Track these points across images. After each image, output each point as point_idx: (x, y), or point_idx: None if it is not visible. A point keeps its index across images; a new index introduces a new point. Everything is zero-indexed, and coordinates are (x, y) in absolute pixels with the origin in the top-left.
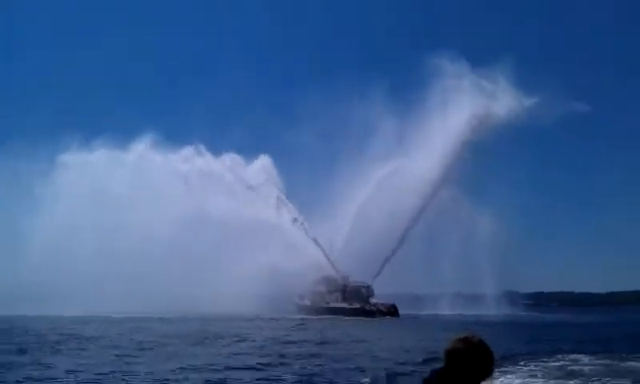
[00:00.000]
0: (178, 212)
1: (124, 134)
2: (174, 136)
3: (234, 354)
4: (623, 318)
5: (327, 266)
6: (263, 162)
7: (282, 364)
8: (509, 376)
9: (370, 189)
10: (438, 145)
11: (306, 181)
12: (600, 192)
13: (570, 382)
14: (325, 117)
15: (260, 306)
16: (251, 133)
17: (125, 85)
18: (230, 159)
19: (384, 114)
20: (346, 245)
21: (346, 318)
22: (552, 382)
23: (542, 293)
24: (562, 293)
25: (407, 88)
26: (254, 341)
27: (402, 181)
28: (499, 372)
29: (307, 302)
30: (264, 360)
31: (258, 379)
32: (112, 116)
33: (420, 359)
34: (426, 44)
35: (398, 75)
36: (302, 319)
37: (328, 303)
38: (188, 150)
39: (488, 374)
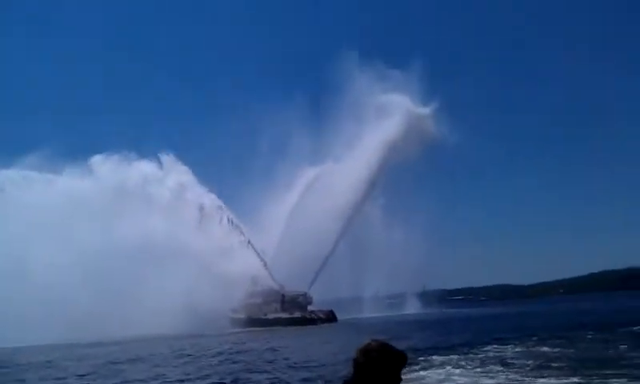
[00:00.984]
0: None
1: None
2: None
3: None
4: (540, 308)
5: (265, 276)
6: (182, 174)
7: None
8: (430, 370)
9: (295, 198)
10: (360, 149)
11: (227, 194)
12: (518, 190)
13: (489, 367)
14: (241, 127)
15: (190, 324)
16: (166, 144)
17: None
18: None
19: (302, 121)
20: (276, 255)
21: (287, 327)
22: (475, 370)
23: (471, 288)
24: (489, 287)
25: (323, 93)
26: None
27: (327, 187)
28: (422, 366)
29: (242, 315)
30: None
31: None
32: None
33: None
34: (336, 47)
35: (314, 80)
36: (244, 332)
37: (266, 314)
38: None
39: (396, 374)
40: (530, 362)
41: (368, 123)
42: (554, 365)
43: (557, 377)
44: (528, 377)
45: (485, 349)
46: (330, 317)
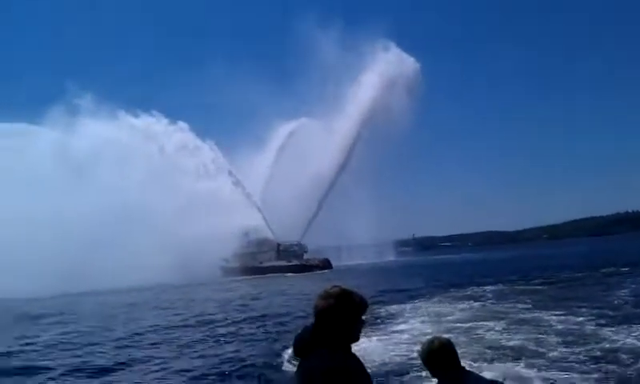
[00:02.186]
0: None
1: None
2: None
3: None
4: (525, 253)
5: (262, 226)
6: (181, 127)
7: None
8: (409, 303)
9: (272, 153)
10: (339, 105)
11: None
12: (505, 139)
13: (474, 303)
14: (207, 86)
15: (179, 275)
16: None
17: None
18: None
19: (270, 80)
20: (261, 206)
21: (286, 274)
22: (458, 305)
23: (460, 235)
24: (476, 233)
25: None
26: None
27: (306, 142)
28: (401, 302)
29: (235, 264)
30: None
31: None
32: None
33: None
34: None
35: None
36: (241, 280)
37: (261, 263)
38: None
39: (357, 319)
40: (505, 297)
41: (340, 80)
42: (527, 300)
43: (529, 308)
44: (499, 305)
45: (466, 289)
46: (326, 264)
